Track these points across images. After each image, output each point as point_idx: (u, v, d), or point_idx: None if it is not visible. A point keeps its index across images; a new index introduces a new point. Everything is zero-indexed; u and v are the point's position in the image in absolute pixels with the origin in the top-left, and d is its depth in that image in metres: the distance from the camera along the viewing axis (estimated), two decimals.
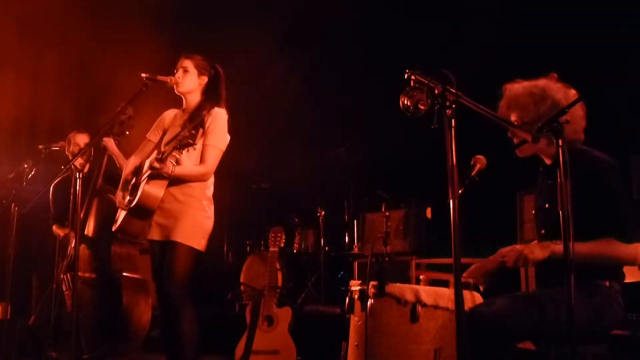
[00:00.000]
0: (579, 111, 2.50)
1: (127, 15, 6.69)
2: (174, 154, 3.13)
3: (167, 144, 3.37)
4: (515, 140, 2.59)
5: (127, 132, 3.74)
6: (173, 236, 3.28)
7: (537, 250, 2.31)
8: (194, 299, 3.32)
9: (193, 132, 3.14)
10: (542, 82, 2.56)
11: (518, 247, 2.35)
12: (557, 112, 2.15)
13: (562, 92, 2.51)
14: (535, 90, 2.53)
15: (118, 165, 4.13)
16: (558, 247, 2.30)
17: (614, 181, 2.38)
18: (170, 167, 3.18)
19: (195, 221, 3.33)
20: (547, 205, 2.56)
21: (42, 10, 6.61)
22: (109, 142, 4.07)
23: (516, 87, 2.58)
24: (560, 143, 2.05)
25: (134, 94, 3.38)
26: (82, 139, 4.72)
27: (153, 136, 3.59)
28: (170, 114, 3.62)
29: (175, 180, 3.32)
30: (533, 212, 2.72)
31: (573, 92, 2.54)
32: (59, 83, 6.83)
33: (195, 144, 3.14)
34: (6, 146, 6.68)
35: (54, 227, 4.74)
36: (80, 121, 4.95)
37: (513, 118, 2.57)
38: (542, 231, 2.59)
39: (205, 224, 3.39)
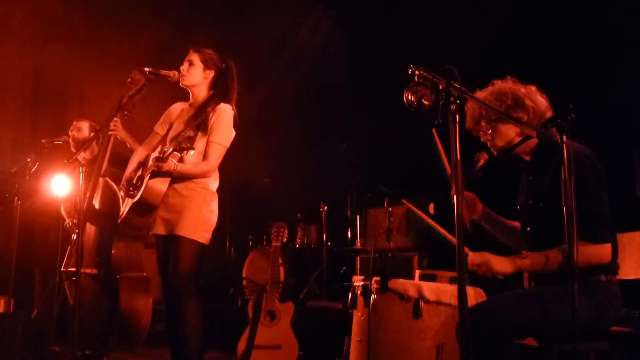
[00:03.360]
0: (542, 101, 2.50)
1: (132, 7, 6.70)
2: (175, 153, 3.15)
3: (171, 140, 3.39)
4: (489, 144, 2.58)
5: (137, 106, 3.65)
6: (177, 230, 3.29)
7: (502, 263, 2.31)
8: (200, 293, 3.34)
9: (192, 135, 3.23)
10: (498, 83, 2.57)
11: (487, 255, 2.34)
12: (562, 108, 2.15)
13: (523, 88, 2.52)
14: (494, 90, 2.54)
15: (130, 144, 4.07)
16: (525, 262, 2.32)
17: (588, 177, 2.33)
18: (172, 165, 3.19)
19: (199, 215, 3.34)
20: (530, 202, 2.56)
21: (45, 3, 6.63)
22: (118, 128, 3.97)
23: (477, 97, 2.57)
24: (565, 139, 2.05)
25: (137, 88, 3.38)
26: (79, 124, 4.71)
27: (160, 129, 3.60)
28: (177, 107, 3.62)
29: (179, 177, 3.33)
30: (518, 207, 2.70)
31: (533, 88, 2.54)
32: (62, 76, 6.84)
33: (194, 148, 3.17)
34: (9, 140, 6.69)
35: (62, 208, 4.72)
36: (83, 115, 4.93)
37: (483, 124, 2.56)
38: (528, 228, 2.57)
39: (209, 218, 3.39)
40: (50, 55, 6.86)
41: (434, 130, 2.65)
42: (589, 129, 2.54)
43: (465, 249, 2.40)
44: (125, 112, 3.61)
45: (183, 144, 3.10)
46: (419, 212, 2.77)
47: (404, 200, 3.03)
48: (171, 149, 3.14)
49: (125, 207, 3.48)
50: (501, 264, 2.30)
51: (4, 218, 4.34)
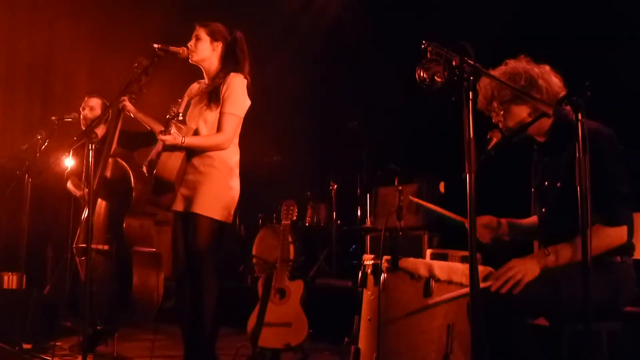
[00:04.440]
0: (556, 81, 2.46)
1: None
2: (172, 123, 3.14)
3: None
4: (501, 125, 2.54)
5: (144, 90, 3.64)
6: (193, 207, 3.29)
7: (531, 268, 2.24)
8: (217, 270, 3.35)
9: (179, 100, 3.28)
10: (511, 63, 2.52)
11: (514, 261, 2.27)
12: (577, 86, 2.11)
13: (537, 68, 2.47)
14: (507, 70, 2.49)
15: (144, 120, 4.04)
16: (551, 259, 2.27)
17: (608, 156, 2.30)
18: (178, 138, 3.17)
19: (215, 192, 3.32)
20: (546, 183, 2.52)
21: None
22: (130, 107, 3.94)
23: (488, 79, 2.52)
24: (580, 117, 2.02)
25: (146, 65, 3.36)
26: (92, 102, 4.69)
27: (182, 109, 3.59)
28: (195, 86, 3.62)
29: (195, 151, 3.31)
30: (532, 190, 2.67)
31: (547, 67, 2.49)
32: (72, 53, 6.82)
33: (180, 112, 3.17)
34: (20, 117, 6.70)
35: (69, 184, 4.74)
36: (93, 91, 4.92)
37: (495, 104, 2.52)
38: (543, 210, 2.55)
39: (227, 195, 3.36)
40: (60, 31, 6.84)
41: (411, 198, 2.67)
42: (606, 106, 2.49)
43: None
44: (133, 96, 3.61)
45: (173, 113, 3.11)
46: (427, 204, 2.74)
47: (412, 197, 2.99)
48: (167, 120, 3.13)
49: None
50: (531, 271, 2.24)
51: (15, 195, 4.35)
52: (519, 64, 2.50)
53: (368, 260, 2.59)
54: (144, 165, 3.49)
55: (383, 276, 2.41)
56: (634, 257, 2.43)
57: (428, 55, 2.13)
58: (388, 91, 6.27)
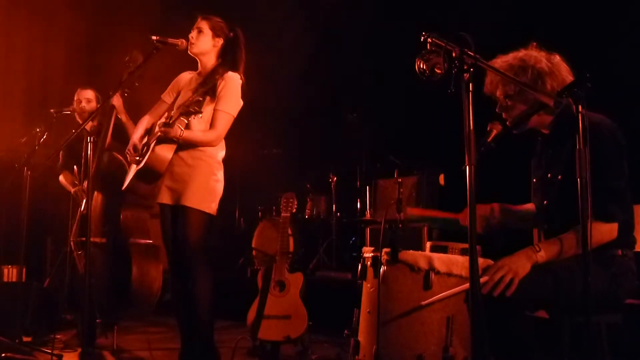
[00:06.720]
0: (565, 73, 2.44)
1: None
2: (181, 118, 3.12)
3: (178, 107, 3.36)
4: (504, 115, 2.52)
5: (137, 84, 3.64)
6: (183, 201, 3.29)
7: (522, 268, 2.22)
8: (209, 263, 3.35)
9: (200, 99, 3.17)
10: (521, 53, 2.49)
11: (504, 260, 2.25)
12: (578, 78, 2.09)
13: (545, 60, 2.44)
14: (514, 62, 2.47)
15: (123, 121, 4.06)
16: (541, 255, 2.26)
17: (605, 150, 2.28)
18: (178, 131, 3.16)
19: (205, 185, 3.33)
20: (549, 175, 2.52)
21: None
22: (118, 101, 3.96)
23: (496, 64, 2.49)
24: (581, 109, 2.01)
25: (144, 57, 3.35)
26: (88, 94, 4.67)
27: (167, 97, 3.59)
28: (186, 76, 3.60)
29: (185, 144, 3.30)
30: (535, 180, 2.66)
31: (557, 57, 2.47)
32: (71, 45, 6.80)
33: (202, 112, 3.13)
34: (18, 110, 6.68)
35: (60, 177, 4.73)
36: (91, 84, 4.90)
37: (498, 94, 2.51)
38: (545, 202, 2.54)
39: (215, 188, 3.38)
40: (58, 25, 6.81)
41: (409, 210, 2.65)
42: (610, 93, 2.47)
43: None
44: (126, 90, 3.60)
45: (191, 108, 3.07)
46: (420, 214, 2.74)
47: (410, 210, 2.98)
48: (178, 114, 3.11)
49: (130, 173, 3.47)
50: (522, 268, 2.22)
51: (14, 188, 4.34)
52: (529, 55, 2.47)
53: (368, 252, 2.58)
54: (126, 152, 3.46)
55: (383, 269, 2.41)
56: (634, 250, 2.42)
57: (428, 47, 2.11)
58: (388, 83, 6.25)
